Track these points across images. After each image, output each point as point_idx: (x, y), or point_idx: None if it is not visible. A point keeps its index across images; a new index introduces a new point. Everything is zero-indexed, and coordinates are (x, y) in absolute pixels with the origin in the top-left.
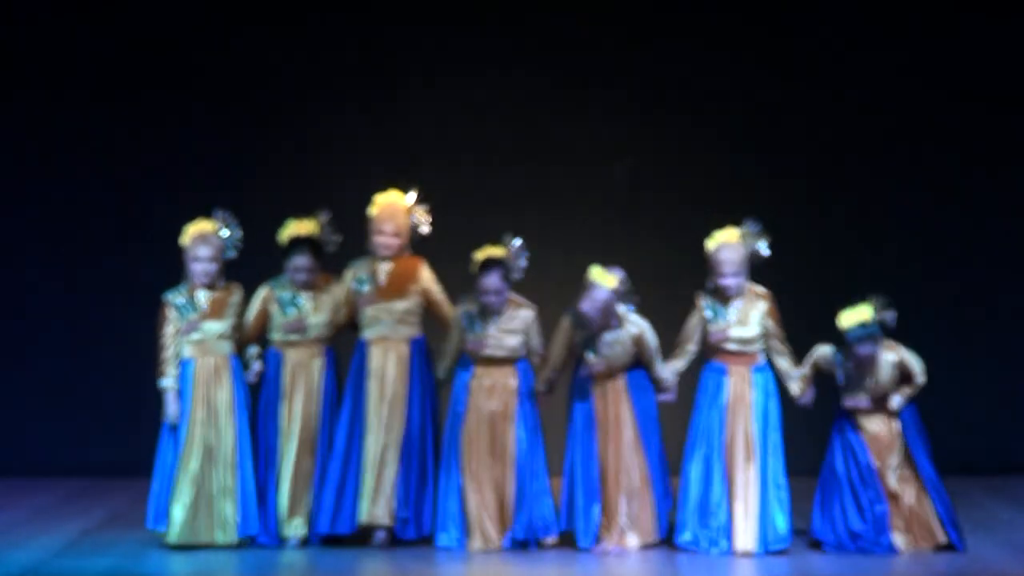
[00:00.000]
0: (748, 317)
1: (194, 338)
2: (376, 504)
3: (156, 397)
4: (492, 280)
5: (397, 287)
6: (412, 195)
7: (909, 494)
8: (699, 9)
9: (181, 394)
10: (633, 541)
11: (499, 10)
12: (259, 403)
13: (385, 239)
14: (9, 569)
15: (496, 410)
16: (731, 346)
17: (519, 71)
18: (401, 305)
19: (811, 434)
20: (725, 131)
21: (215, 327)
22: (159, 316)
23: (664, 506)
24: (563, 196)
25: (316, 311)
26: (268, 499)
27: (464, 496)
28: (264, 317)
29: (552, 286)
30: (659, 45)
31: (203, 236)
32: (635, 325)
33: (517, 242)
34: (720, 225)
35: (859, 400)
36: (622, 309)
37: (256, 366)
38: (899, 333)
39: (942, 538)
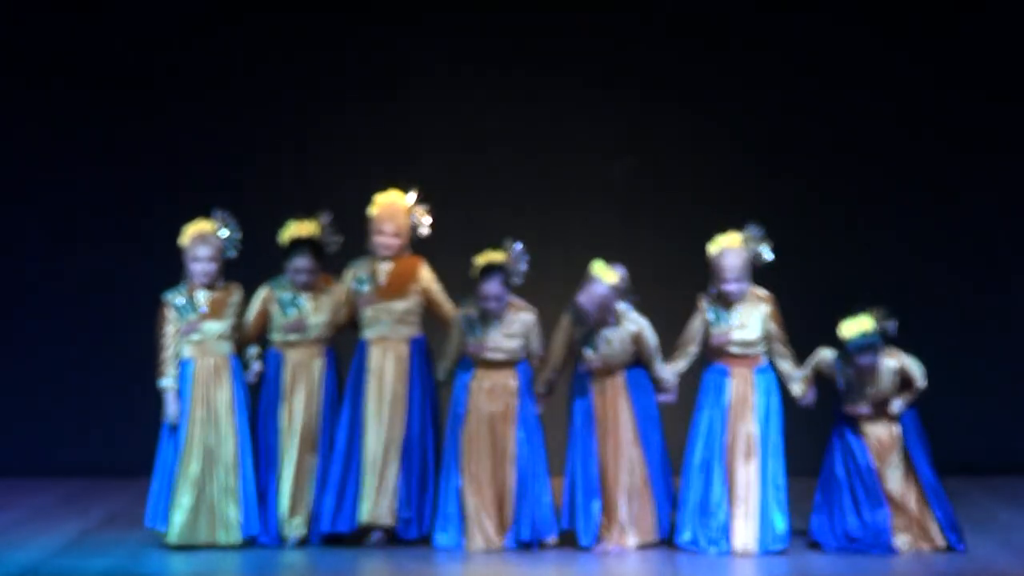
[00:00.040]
0: (750, 320)
1: (194, 338)
2: (376, 504)
3: (156, 397)
4: (492, 286)
5: (397, 287)
6: (412, 195)
7: (908, 498)
8: (700, 9)
9: (180, 394)
10: (633, 540)
11: (499, 10)
12: (259, 403)
13: (385, 239)
14: (9, 569)
15: (496, 411)
16: (733, 349)
17: (519, 71)
18: (401, 305)
19: (811, 434)
20: (726, 131)
21: (215, 327)
22: (159, 316)
23: (665, 506)
24: (563, 195)
25: (316, 311)
26: (268, 499)
27: (463, 496)
28: (264, 317)
29: (552, 286)
30: (660, 45)
31: (202, 236)
32: (634, 323)
33: (518, 247)
34: (720, 225)
35: (859, 407)
36: (621, 306)
37: (256, 366)
38: (899, 333)
39: (941, 542)
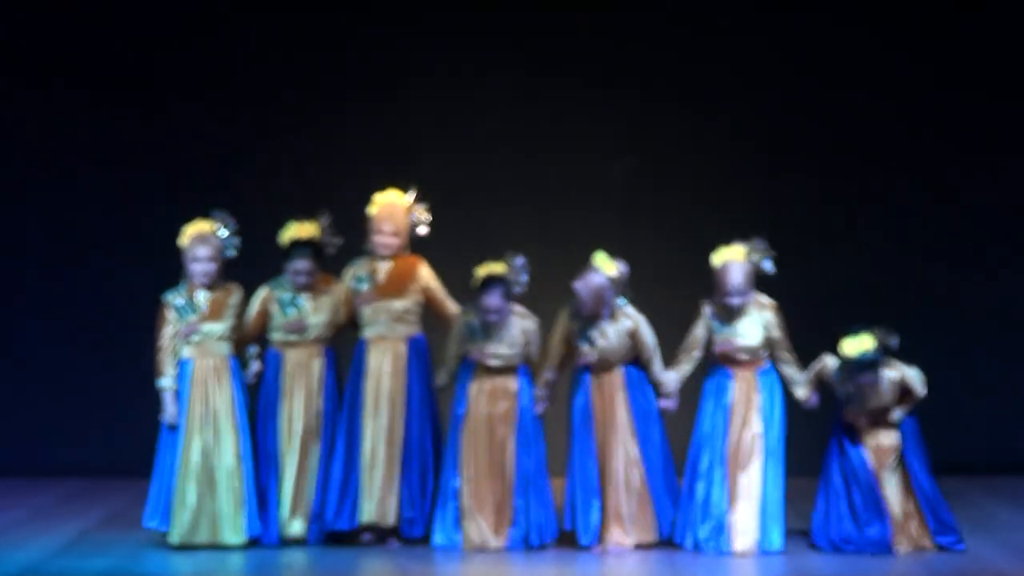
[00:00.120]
0: (753, 327)
1: (193, 339)
2: (376, 504)
3: (156, 398)
4: (493, 299)
5: (396, 286)
6: (411, 194)
7: (905, 505)
8: (700, 9)
9: (179, 394)
10: (632, 540)
11: (499, 10)
12: (258, 403)
13: (384, 238)
14: (8, 569)
15: (496, 412)
16: (736, 355)
17: (519, 71)
18: (399, 304)
19: (811, 434)
20: (726, 131)
21: (214, 328)
22: (158, 316)
23: (665, 505)
24: (563, 195)
25: (316, 311)
26: (269, 499)
27: (462, 497)
28: (264, 317)
29: (552, 286)
30: (660, 45)
31: (202, 237)
32: (630, 319)
33: (519, 260)
34: (720, 224)
35: (859, 417)
36: (618, 302)
37: (255, 366)
38: (899, 333)
39: (933, 547)
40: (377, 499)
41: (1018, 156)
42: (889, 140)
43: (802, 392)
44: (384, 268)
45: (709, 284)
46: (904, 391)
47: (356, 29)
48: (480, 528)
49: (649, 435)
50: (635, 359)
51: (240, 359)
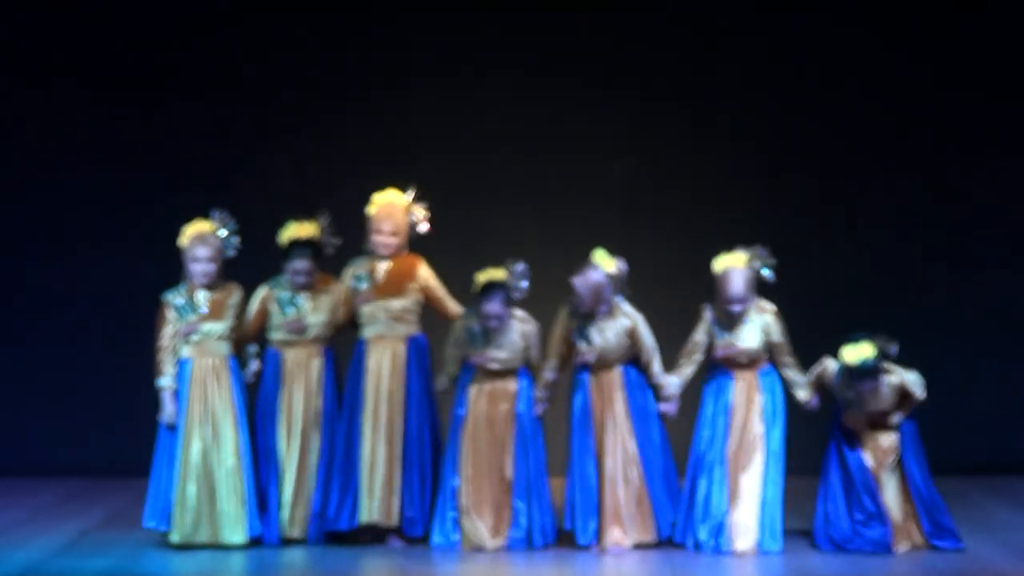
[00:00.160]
0: (754, 332)
1: (193, 339)
2: (379, 503)
3: (155, 397)
4: (494, 306)
5: (395, 285)
6: (410, 194)
7: (903, 504)
8: (700, 8)
9: (178, 394)
10: (630, 539)
11: (499, 10)
12: (258, 403)
13: (383, 238)
14: (8, 569)
15: (496, 413)
16: (737, 359)
17: (519, 71)
18: (398, 303)
19: (811, 434)
20: (726, 131)
21: (214, 328)
22: (158, 316)
23: (665, 505)
24: (563, 195)
25: (315, 311)
26: (268, 499)
27: (461, 497)
28: (263, 317)
29: (551, 286)
30: (660, 45)
31: (201, 237)
32: (628, 317)
33: (519, 267)
34: (721, 225)
35: (858, 423)
36: (616, 299)
37: (254, 365)
38: (899, 333)
39: (929, 547)
40: (379, 498)
41: (1018, 156)
42: (889, 140)
43: (803, 394)
44: (383, 268)
45: (709, 283)
46: (903, 395)
47: (356, 29)
48: (479, 528)
49: (648, 435)
50: (634, 359)
51: (239, 359)
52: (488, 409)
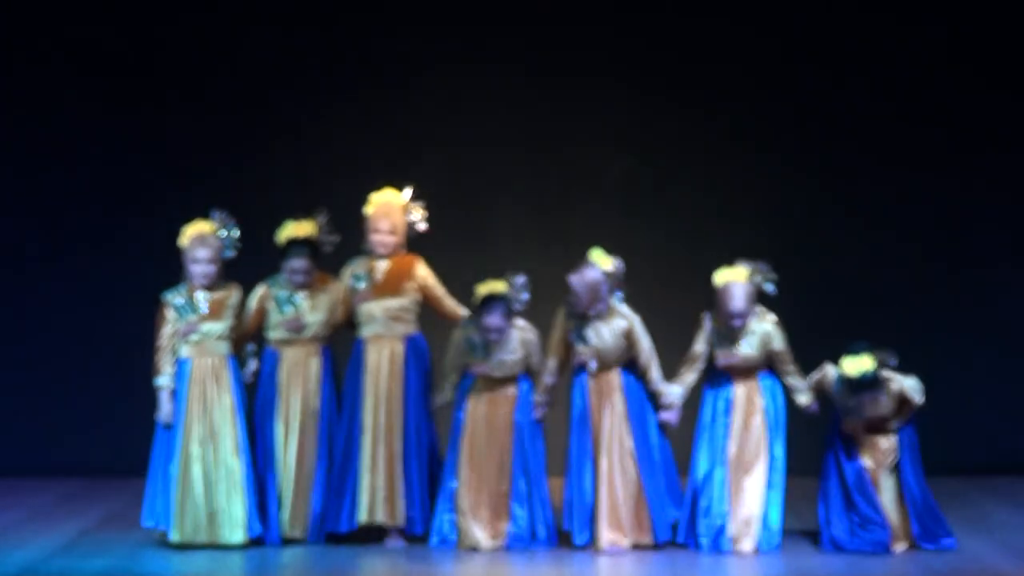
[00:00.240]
0: (755, 341)
1: (193, 339)
2: (381, 503)
3: (154, 397)
4: (494, 319)
5: (393, 284)
6: (407, 192)
7: (901, 506)
8: (700, 8)
9: (177, 393)
10: (628, 541)
11: (499, 10)
12: (256, 402)
13: (381, 237)
14: (7, 569)
15: (496, 417)
16: (739, 365)
17: (519, 71)
18: (396, 302)
19: (811, 435)
20: (726, 130)
21: (214, 328)
22: (158, 316)
23: (664, 506)
24: (563, 195)
25: (313, 310)
26: (268, 499)
27: (460, 498)
28: (261, 316)
29: (551, 286)
30: (660, 44)
31: (201, 238)
32: (625, 318)
33: (520, 279)
34: (721, 225)
35: (857, 429)
36: (613, 300)
37: (252, 365)
38: (899, 332)
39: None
40: (381, 498)
41: (1019, 156)
42: (890, 139)
43: (804, 399)
44: (382, 267)
45: (708, 282)
46: (902, 401)
47: (356, 29)
48: (477, 529)
49: (646, 436)
50: (633, 361)
51: (239, 358)
52: (488, 413)
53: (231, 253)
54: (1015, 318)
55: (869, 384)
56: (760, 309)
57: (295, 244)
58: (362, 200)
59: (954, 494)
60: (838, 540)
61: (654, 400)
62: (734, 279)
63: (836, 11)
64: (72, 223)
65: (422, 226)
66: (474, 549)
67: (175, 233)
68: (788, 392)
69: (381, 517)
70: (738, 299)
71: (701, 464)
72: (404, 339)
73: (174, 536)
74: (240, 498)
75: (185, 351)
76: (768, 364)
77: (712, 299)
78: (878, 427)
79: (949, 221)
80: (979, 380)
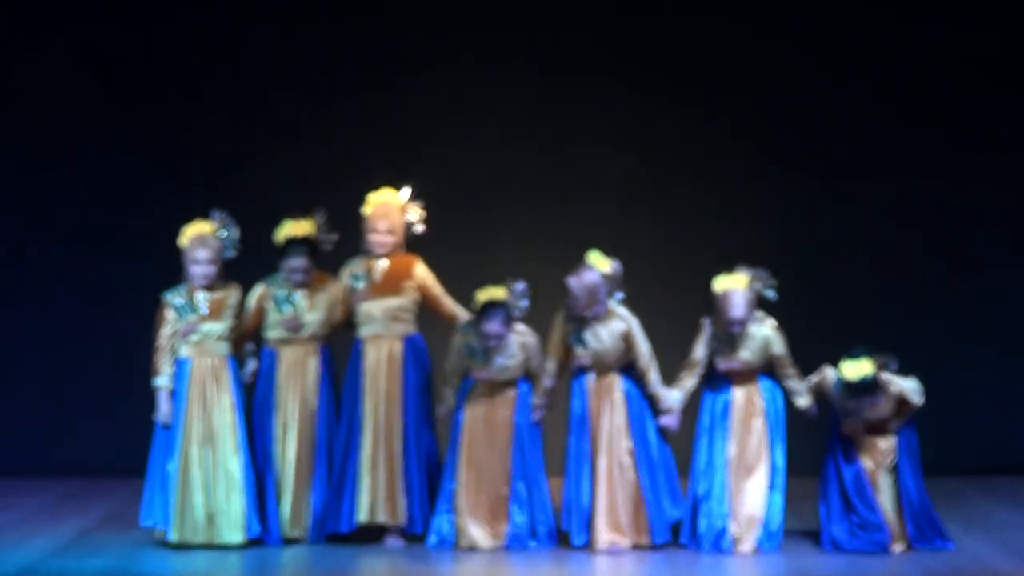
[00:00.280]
0: (754, 345)
1: (192, 339)
2: (382, 502)
3: (154, 397)
4: (494, 326)
5: (391, 284)
6: (405, 192)
7: (897, 508)
8: (700, 8)
9: (176, 393)
10: (627, 541)
11: (499, 10)
12: (255, 402)
13: (379, 237)
14: (7, 569)
15: (495, 417)
16: (739, 368)
17: (519, 70)
18: (394, 302)
19: (811, 434)
20: (726, 130)
21: (214, 328)
22: (158, 316)
23: (663, 507)
24: (563, 195)
25: (312, 309)
26: (267, 498)
27: (458, 498)
28: (260, 315)
29: (551, 286)
30: (660, 44)
31: (201, 238)
32: (623, 320)
33: (519, 286)
34: (721, 225)
35: (857, 431)
36: (611, 303)
37: (251, 364)
38: (899, 333)
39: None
40: (382, 497)
41: (1019, 155)
42: (890, 139)
43: (803, 402)
44: (380, 267)
45: (708, 283)
46: (901, 402)
47: (356, 29)
48: (475, 529)
49: (645, 438)
50: (632, 364)
51: (237, 358)
52: (487, 414)
53: (231, 253)
54: (1015, 318)
55: (868, 388)
56: (759, 313)
57: (294, 243)
58: (362, 200)
59: (954, 494)
60: (838, 541)
61: (653, 403)
62: (734, 286)
63: (836, 11)
64: (72, 223)
65: (419, 228)
66: (473, 549)
67: (175, 233)
68: (787, 395)
69: (382, 517)
70: (738, 306)
71: (701, 466)
72: (403, 339)
73: (173, 536)
74: (239, 498)
75: (185, 351)
76: (768, 368)
77: (711, 301)
78: (877, 428)
79: (949, 221)
80: (979, 380)
